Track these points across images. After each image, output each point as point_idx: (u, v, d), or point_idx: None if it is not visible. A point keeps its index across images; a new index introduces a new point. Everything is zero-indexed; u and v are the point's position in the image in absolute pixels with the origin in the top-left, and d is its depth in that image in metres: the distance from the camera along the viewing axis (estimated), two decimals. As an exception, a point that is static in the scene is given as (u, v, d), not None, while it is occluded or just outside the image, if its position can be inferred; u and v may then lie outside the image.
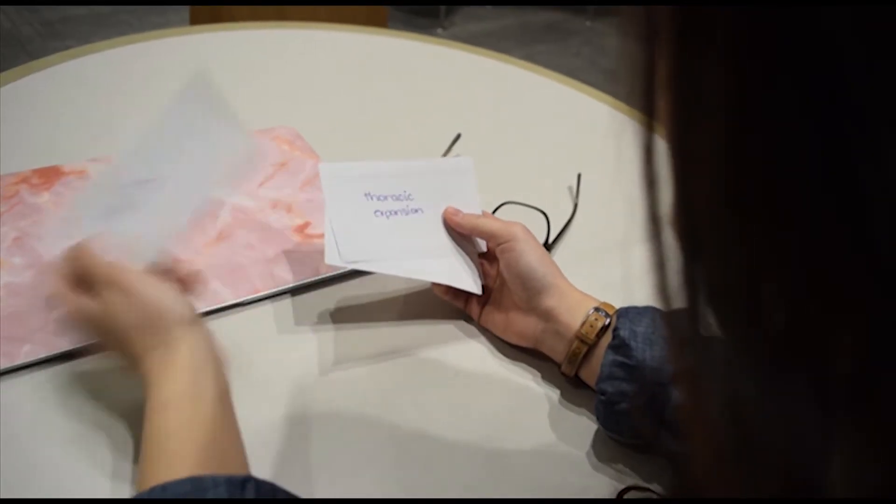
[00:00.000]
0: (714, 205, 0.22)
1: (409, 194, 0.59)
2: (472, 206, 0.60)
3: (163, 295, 0.44)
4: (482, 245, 0.60)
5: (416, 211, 0.59)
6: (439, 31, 3.07)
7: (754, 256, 0.21)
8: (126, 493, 0.44)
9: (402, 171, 0.59)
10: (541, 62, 1.08)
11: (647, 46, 0.22)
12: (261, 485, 0.38)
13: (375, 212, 0.57)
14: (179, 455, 0.39)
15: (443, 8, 3.12)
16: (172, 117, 0.52)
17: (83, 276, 0.45)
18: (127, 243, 0.47)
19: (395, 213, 0.58)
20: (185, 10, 1.26)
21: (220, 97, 0.53)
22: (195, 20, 1.22)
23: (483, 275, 0.59)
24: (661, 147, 0.23)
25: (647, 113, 0.23)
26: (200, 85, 0.53)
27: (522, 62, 1.06)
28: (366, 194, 0.57)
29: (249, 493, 0.37)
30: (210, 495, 0.36)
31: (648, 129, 0.23)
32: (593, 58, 3.02)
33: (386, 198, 0.58)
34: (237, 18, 1.21)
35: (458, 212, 0.59)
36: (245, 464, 0.42)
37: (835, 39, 0.18)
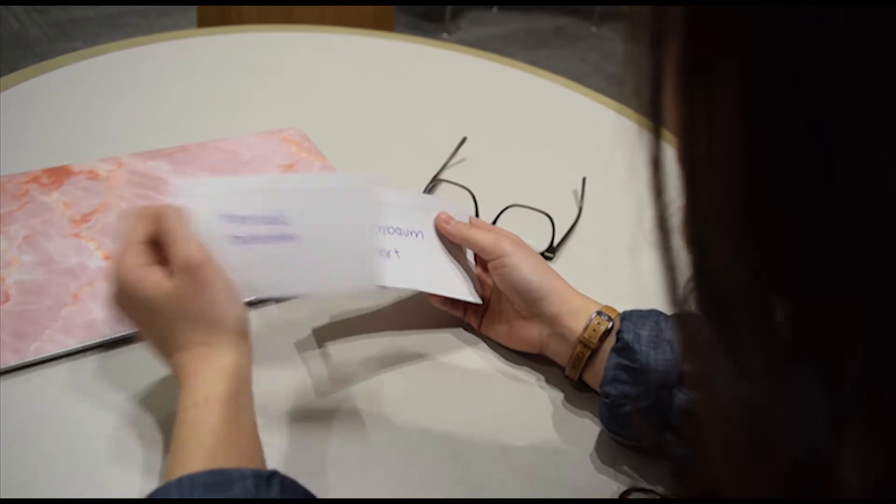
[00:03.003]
0: (719, 212, 0.22)
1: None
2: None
3: (230, 298, 0.44)
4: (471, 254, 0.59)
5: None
6: (444, 35, 3.07)
7: (760, 263, 0.22)
8: (131, 492, 0.44)
9: (393, 202, 0.55)
10: (546, 67, 1.08)
11: (655, 52, 0.23)
12: (285, 481, 0.38)
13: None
14: (214, 452, 0.39)
15: (448, 11, 3.13)
16: (325, 191, 0.50)
17: (160, 243, 0.44)
18: (242, 269, 0.45)
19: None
20: (192, 12, 1.26)
21: (375, 206, 0.51)
22: (203, 22, 1.23)
23: (480, 285, 0.58)
24: (670, 155, 0.24)
25: (654, 120, 0.23)
26: (367, 191, 0.50)
27: (528, 66, 1.06)
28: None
29: (274, 488, 0.37)
30: (237, 487, 0.36)
31: (656, 136, 0.24)
32: (598, 63, 3.02)
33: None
34: (245, 20, 1.22)
35: (449, 219, 0.58)
36: (265, 467, 0.42)
37: (835, 38, 0.18)
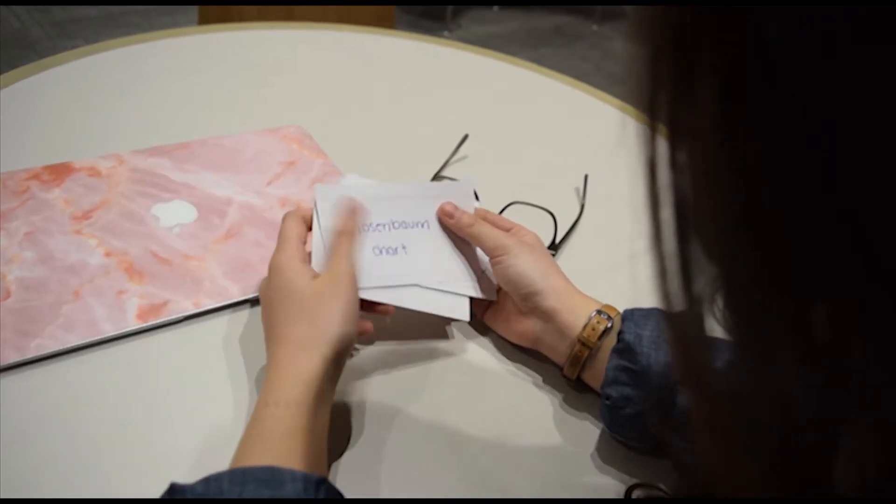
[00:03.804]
0: (720, 211, 0.22)
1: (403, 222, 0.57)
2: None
3: (348, 319, 0.46)
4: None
5: (421, 225, 0.57)
6: (445, 34, 3.07)
7: (760, 263, 0.21)
8: (132, 492, 0.44)
9: (395, 195, 0.57)
10: (547, 65, 1.08)
11: (653, 53, 0.23)
12: (332, 489, 0.40)
13: (375, 227, 0.56)
14: (278, 452, 0.40)
15: (449, 10, 3.13)
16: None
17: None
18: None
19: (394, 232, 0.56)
20: (193, 12, 1.27)
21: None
22: (204, 20, 1.23)
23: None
24: (664, 156, 0.23)
25: (651, 118, 0.23)
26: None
27: (530, 64, 1.06)
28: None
29: (321, 494, 0.38)
30: (288, 487, 0.37)
31: (652, 136, 0.24)
32: (599, 61, 3.02)
33: (383, 226, 0.56)
34: (246, 19, 1.22)
35: (452, 212, 0.57)
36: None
37: (833, 37, 0.18)
